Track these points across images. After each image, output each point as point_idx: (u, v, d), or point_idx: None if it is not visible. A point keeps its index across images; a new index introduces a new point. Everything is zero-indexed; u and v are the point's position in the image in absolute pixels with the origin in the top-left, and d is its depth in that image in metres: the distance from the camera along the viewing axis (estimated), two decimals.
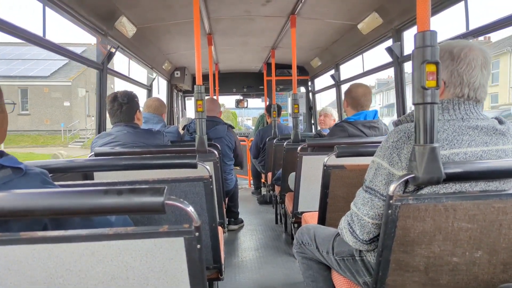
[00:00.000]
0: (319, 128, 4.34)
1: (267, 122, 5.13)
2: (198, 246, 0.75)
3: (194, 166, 1.52)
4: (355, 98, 2.34)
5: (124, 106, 2.23)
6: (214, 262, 1.62)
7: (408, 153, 1.03)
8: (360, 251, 1.29)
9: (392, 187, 0.96)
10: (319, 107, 5.97)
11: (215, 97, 5.15)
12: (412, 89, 0.97)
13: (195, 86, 2.15)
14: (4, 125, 1.00)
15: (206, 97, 2.73)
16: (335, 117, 4.21)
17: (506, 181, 1.07)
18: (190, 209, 0.76)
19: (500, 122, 1.11)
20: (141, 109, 2.39)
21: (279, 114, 4.71)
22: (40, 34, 1.95)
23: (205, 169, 1.52)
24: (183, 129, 3.51)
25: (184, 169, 1.56)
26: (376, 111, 2.40)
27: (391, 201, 0.95)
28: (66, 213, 0.71)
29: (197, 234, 0.74)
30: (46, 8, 2.05)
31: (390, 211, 0.96)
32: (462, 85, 1.07)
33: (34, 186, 0.90)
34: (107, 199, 0.70)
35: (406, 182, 1.02)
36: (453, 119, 1.07)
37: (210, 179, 1.49)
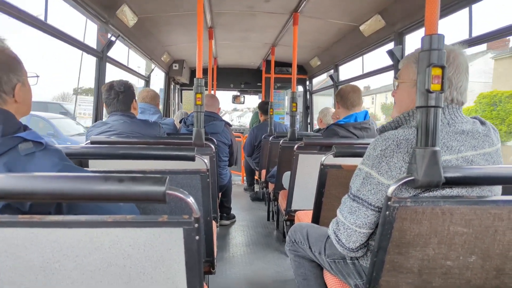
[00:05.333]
0: (317, 127, 4.31)
1: (260, 120, 5.02)
2: (197, 237, 0.75)
3: (192, 158, 1.51)
4: (344, 96, 2.36)
5: (121, 95, 2.20)
6: (207, 256, 1.62)
7: (398, 161, 1.03)
8: None
9: (390, 189, 0.96)
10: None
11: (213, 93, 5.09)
12: (416, 92, 0.97)
13: (194, 79, 2.13)
14: (27, 99, 1.07)
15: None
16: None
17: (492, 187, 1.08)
18: (191, 200, 0.75)
19: (482, 123, 1.12)
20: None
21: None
22: (42, 18, 1.93)
23: (203, 162, 1.51)
24: (180, 121, 3.49)
25: (179, 162, 1.55)
26: (366, 112, 2.39)
27: (389, 203, 0.95)
28: (66, 198, 0.70)
29: (196, 225, 0.74)
30: None
31: (387, 212, 0.96)
32: (451, 88, 1.08)
33: (53, 161, 0.95)
34: (108, 186, 0.70)
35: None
36: (440, 124, 1.07)
37: (207, 173, 1.48)
